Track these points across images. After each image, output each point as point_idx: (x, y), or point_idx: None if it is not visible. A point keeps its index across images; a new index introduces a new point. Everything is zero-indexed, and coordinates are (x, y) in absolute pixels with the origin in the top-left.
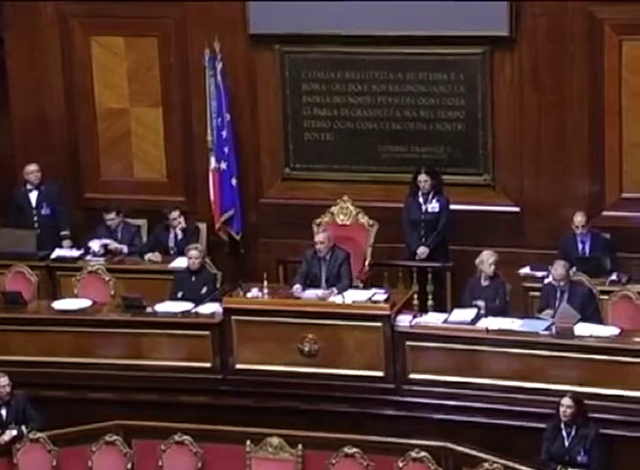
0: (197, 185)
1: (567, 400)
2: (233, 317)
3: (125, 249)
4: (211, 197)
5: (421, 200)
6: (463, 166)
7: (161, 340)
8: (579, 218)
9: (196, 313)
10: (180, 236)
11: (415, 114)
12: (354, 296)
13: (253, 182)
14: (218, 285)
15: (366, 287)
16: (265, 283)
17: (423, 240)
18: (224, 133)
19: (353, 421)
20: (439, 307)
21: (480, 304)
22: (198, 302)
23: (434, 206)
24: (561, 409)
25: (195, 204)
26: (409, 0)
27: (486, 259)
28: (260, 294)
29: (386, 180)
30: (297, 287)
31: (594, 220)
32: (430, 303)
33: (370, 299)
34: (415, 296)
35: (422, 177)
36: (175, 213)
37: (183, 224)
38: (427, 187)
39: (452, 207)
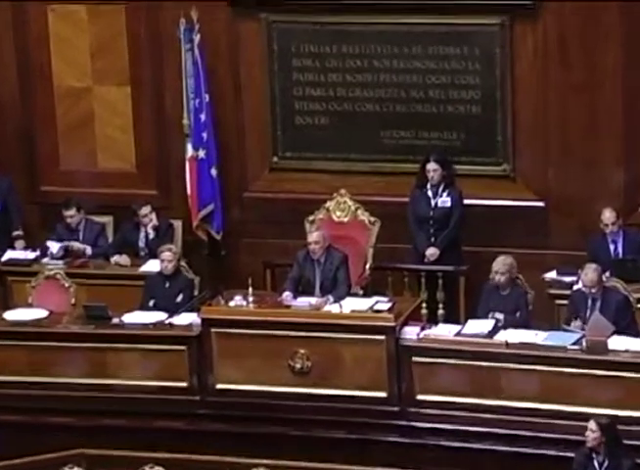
0: (171, 177)
1: (590, 424)
2: (213, 329)
3: (89, 249)
4: (188, 190)
5: (430, 193)
6: (478, 155)
7: (130, 356)
8: (608, 215)
9: (170, 325)
10: (152, 235)
11: (423, 94)
12: (353, 304)
13: (237, 173)
14: (196, 292)
15: (367, 294)
16: (250, 290)
17: (432, 240)
18: (203, 116)
19: (352, 449)
20: (452, 318)
21: (499, 317)
22: (172, 311)
23: (444, 200)
24: (585, 434)
25: (169, 198)
26: None
27: (495, 269)
28: (245, 302)
29: (389, 171)
30: (286, 294)
31: (632, 217)
32: (440, 312)
33: (371, 308)
34: (423, 304)
35: (431, 166)
36: (146, 209)
37: (155, 222)
38: (436, 178)
39: (466, 201)
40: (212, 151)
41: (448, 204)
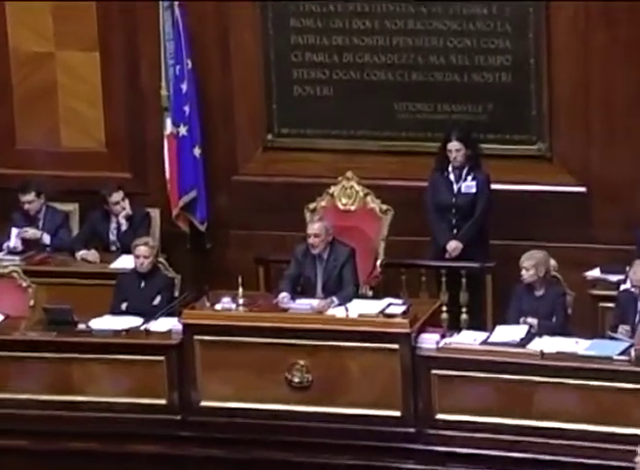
0: (147, 157)
1: None
2: (196, 337)
3: (46, 237)
4: (167, 173)
5: (452, 177)
6: (509, 131)
7: (99, 368)
8: None
9: (146, 332)
10: (124, 226)
11: (444, 60)
12: (361, 307)
13: (224, 153)
14: (176, 293)
15: (377, 295)
16: (240, 290)
17: (454, 232)
18: (184, 87)
19: None
20: (477, 323)
21: (532, 322)
22: (148, 316)
23: (469, 185)
24: (635, 460)
25: (144, 183)
26: None
27: (521, 263)
28: (234, 305)
29: (404, 150)
30: (283, 295)
31: None
32: (463, 317)
33: (383, 312)
34: (444, 307)
35: (453, 145)
36: (117, 196)
37: (128, 210)
38: (459, 159)
39: (494, 186)
40: (195, 127)
41: (473, 189)
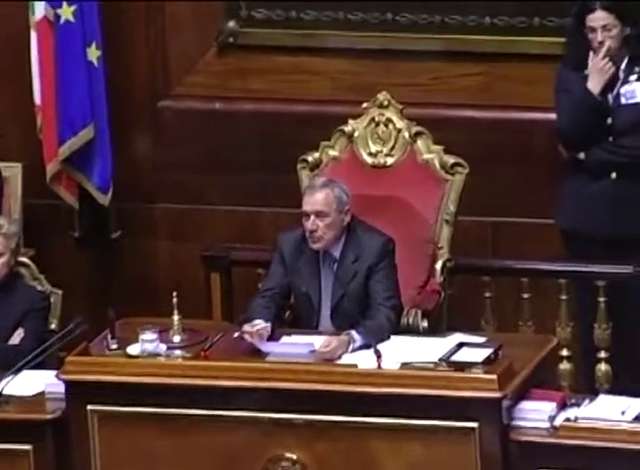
0: None
1: None
2: (92, 408)
3: None
4: (36, 96)
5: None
6: None
7: None
8: None
9: None
10: None
11: None
12: (407, 351)
13: (146, 57)
14: (54, 322)
15: (436, 328)
16: (176, 318)
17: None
18: None
19: None
20: (628, 381)
21: None
22: (2, 366)
23: (632, 89)
24: None
25: None
26: None
27: None
28: (163, 346)
29: (488, 51)
30: (258, 326)
31: None
32: (603, 368)
33: (448, 359)
34: (564, 351)
35: (596, 19)
36: None
37: None
38: (611, 44)
39: None
40: (92, 9)
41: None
